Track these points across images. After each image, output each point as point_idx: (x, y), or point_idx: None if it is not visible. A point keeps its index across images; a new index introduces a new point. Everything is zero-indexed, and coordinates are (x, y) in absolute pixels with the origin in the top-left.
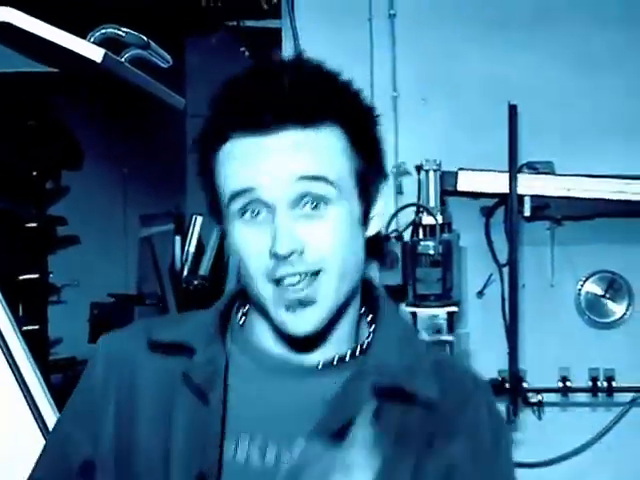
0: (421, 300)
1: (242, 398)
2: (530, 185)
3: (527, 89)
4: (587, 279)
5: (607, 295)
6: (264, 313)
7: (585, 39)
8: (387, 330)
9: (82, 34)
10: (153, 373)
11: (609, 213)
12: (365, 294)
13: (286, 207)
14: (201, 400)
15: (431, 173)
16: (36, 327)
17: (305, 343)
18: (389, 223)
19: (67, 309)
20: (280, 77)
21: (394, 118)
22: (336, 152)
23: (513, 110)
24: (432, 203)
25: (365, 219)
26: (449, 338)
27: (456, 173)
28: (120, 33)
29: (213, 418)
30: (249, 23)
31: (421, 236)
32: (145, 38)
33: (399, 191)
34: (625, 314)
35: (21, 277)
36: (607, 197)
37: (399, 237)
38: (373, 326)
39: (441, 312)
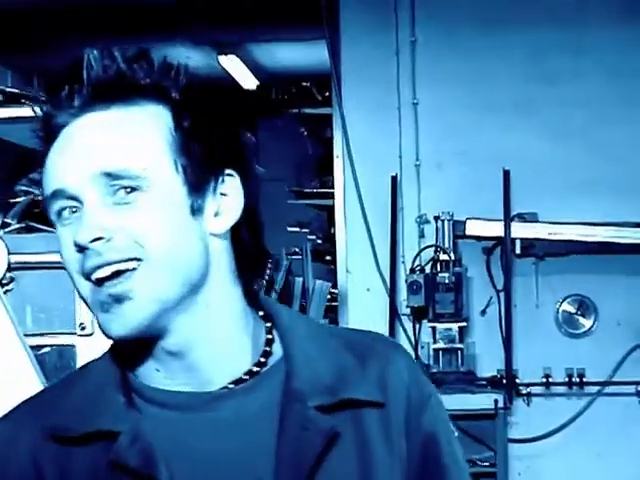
0: (439, 317)
1: (175, 457)
2: (520, 230)
3: (517, 158)
4: (563, 301)
5: (578, 313)
6: None
7: (560, 119)
8: (292, 332)
9: None
10: (67, 469)
11: (579, 251)
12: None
13: (95, 198)
14: None
15: (446, 222)
16: None
17: (132, 348)
18: (414, 260)
19: None
20: (92, 61)
21: (417, 180)
22: (146, 135)
23: (507, 174)
24: (447, 244)
25: (198, 211)
26: (460, 346)
27: (465, 222)
28: None
29: None
30: (307, 110)
31: (438, 269)
32: None
33: (421, 235)
34: (592, 327)
35: None
36: (578, 239)
37: (422, 270)
38: (273, 333)
39: (454, 326)
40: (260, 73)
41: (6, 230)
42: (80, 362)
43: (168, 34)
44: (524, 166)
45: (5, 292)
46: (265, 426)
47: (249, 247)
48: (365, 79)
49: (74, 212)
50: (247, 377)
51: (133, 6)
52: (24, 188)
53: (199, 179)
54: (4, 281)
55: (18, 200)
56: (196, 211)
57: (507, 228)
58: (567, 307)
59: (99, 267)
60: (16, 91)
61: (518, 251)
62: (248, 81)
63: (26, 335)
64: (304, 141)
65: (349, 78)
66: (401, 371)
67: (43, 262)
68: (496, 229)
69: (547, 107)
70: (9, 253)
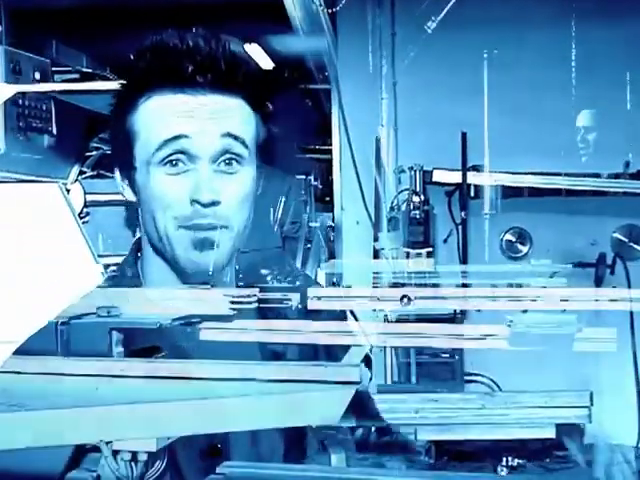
0: (412, 244)
1: None
2: (473, 178)
3: (472, 124)
4: (506, 232)
5: (518, 241)
6: (165, 259)
7: (505, 97)
8: None
9: None
10: None
11: (518, 195)
12: None
13: (208, 160)
14: None
15: (417, 172)
16: None
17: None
18: (393, 200)
19: None
20: (199, 46)
21: (395, 141)
22: (249, 121)
23: (464, 135)
24: (418, 188)
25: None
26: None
27: (432, 171)
28: None
29: None
30: (311, 86)
31: (411, 208)
32: None
33: (399, 182)
34: (528, 252)
35: None
36: (517, 185)
37: (399, 208)
38: None
39: (423, 251)
40: (275, 57)
41: (83, 177)
42: None
43: (210, 28)
44: (477, 130)
45: (83, 223)
46: None
47: None
48: (355, 65)
49: (175, 165)
50: None
51: (183, 5)
52: (96, 145)
53: (265, 160)
54: (82, 215)
55: (92, 154)
56: (260, 189)
57: (464, 176)
58: (509, 237)
59: (203, 227)
60: (89, 71)
61: (472, 194)
62: (266, 63)
63: (98, 256)
64: (309, 110)
65: (343, 65)
66: None
67: (110, 201)
68: (455, 177)
69: (496, 88)
70: (85, 193)
